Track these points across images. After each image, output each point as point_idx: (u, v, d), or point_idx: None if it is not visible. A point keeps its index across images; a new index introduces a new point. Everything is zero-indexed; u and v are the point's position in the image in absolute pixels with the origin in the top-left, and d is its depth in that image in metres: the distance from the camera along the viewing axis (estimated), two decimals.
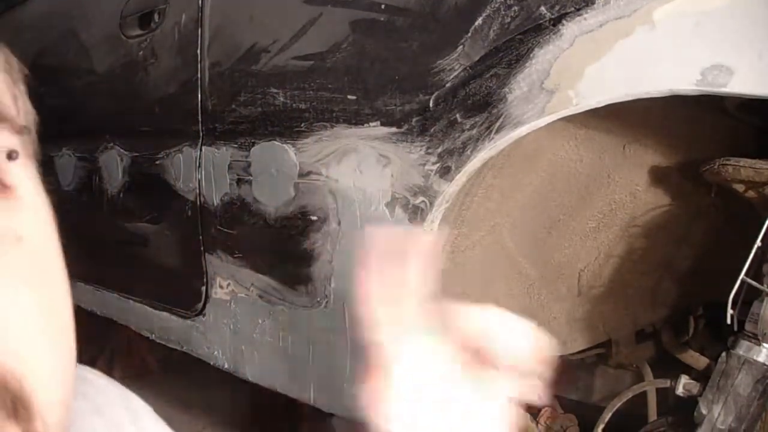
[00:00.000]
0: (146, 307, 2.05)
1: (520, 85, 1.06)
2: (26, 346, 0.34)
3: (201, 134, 1.69)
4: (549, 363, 0.64)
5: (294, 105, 1.43)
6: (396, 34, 1.24)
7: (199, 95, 1.69)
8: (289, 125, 1.45)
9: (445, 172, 1.18)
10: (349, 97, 1.32)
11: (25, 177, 0.37)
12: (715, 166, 1.20)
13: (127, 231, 2.05)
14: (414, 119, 1.22)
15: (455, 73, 1.15)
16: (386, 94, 1.26)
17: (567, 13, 1.00)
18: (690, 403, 1.22)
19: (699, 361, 1.55)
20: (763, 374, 1.14)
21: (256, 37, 1.52)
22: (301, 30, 1.41)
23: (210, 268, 1.74)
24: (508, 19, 1.07)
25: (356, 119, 1.31)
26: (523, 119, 1.06)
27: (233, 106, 1.59)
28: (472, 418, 0.57)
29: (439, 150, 1.18)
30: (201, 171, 1.70)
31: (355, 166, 1.33)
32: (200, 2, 1.69)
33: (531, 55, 1.04)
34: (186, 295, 1.83)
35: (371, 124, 1.29)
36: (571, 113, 1.02)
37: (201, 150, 1.69)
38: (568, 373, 1.94)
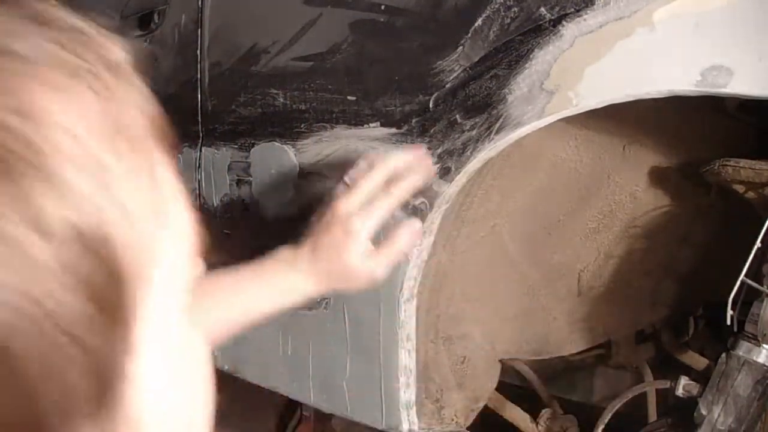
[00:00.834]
0: None
1: (519, 85, 1.06)
2: None
3: (200, 135, 1.69)
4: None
5: (294, 106, 1.43)
6: (396, 35, 1.24)
7: (199, 96, 1.69)
8: (289, 126, 1.45)
9: (445, 173, 1.18)
10: (349, 97, 1.32)
11: None
12: (715, 167, 1.20)
13: None
14: (414, 120, 1.22)
15: (455, 74, 1.15)
16: (386, 95, 1.26)
17: (567, 14, 1.00)
18: (690, 403, 1.22)
19: (699, 361, 1.55)
20: (763, 375, 1.14)
21: (256, 37, 1.52)
22: (301, 31, 1.41)
23: None
24: (508, 20, 1.07)
25: (356, 120, 1.31)
26: (523, 120, 1.06)
27: (233, 107, 1.59)
28: None
29: (439, 151, 1.18)
30: (200, 171, 1.70)
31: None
32: (200, 3, 1.69)
33: (531, 55, 1.04)
34: None
35: (371, 124, 1.29)
36: (571, 114, 1.02)
37: (200, 150, 1.69)
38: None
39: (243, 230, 1.61)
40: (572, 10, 0.99)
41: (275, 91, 1.47)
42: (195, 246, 0.43)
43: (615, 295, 1.61)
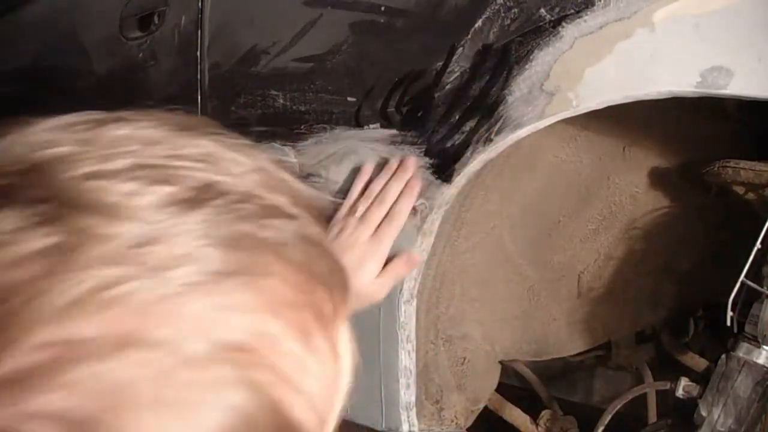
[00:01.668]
0: None
1: (519, 87, 1.06)
2: None
3: None
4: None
5: (294, 107, 1.43)
6: (396, 36, 1.24)
7: (199, 97, 1.69)
8: (288, 127, 1.45)
9: (445, 174, 1.18)
10: (349, 99, 1.32)
11: None
12: (715, 168, 1.20)
13: None
14: (414, 121, 1.22)
15: (455, 75, 1.15)
16: (386, 96, 1.26)
17: (567, 15, 1.00)
18: (690, 405, 1.22)
19: (699, 363, 1.55)
20: (762, 376, 1.14)
21: (256, 38, 1.52)
22: (301, 32, 1.41)
23: None
24: (508, 21, 1.07)
25: (356, 121, 1.32)
26: (523, 121, 1.06)
27: (233, 108, 1.59)
28: None
29: (439, 152, 1.18)
30: None
31: (355, 168, 1.33)
32: (200, 4, 1.69)
33: (530, 57, 1.04)
34: None
35: (371, 126, 1.29)
36: (570, 115, 1.02)
37: None
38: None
39: None
40: (572, 11, 0.99)
41: (275, 92, 1.47)
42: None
43: (615, 296, 1.60)
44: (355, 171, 1.28)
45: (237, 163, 0.42)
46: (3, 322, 0.32)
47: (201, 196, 0.38)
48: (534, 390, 1.72)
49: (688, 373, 1.35)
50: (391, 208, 1.15)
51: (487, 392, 1.55)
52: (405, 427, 1.37)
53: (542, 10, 1.02)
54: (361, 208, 1.16)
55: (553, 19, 1.01)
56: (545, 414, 1.62)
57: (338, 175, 1.37)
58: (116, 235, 0.35)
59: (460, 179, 1.17)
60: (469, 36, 1.13)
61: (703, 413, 1.18)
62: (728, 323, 1.13)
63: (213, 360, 0.35)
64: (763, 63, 0.85)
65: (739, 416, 1.15)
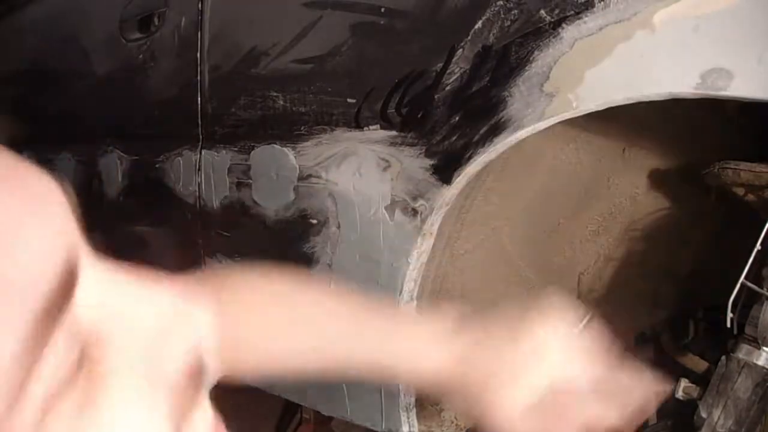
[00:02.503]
0: None
1: (519, 88, 1.06)
2: None
3: (201, 137, 1.69)
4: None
5: (294, 108, 1.43)
6: (396, 38, 1.24)
7: (199, 98, 1.69)
8: (288, 128, 1.45)
9: (445, 175, 1.18)
10: (349, 100, 1.32)
11: None
12: (715, 170, 1.20)
13: (126, 234, 2.05)
14: (414, 122, 1.22)
15: (455, 77, 1.15)
16: (386, 98, 1.26)
17: (567, 17, 1.00)
18: (690, 406, 1.22)
19: (699, 364, 1.55)
20: (762, 378, 1.14)
21: (256, 40, 1.52)
22: (301, 33, 1.41)
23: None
24: (508, 23, 1.07)
25: (356, 122, 1.31)
26: (523, 122, 1.06)
27: (233, 110, 1.59)
28: None
29: (439, 153, 1.18)
30: (201, 174, 1.70)
31: (355, 170, 1.33)
32: (200, 5, 1.70)
33: (531, 58, 1.04)
34: None
35: (371, 127, 1.29)
36: (570, 117, 1.02)
37: (201, 153, 1.69)
38: None
39: (243, 232, 1.61)
40: (572, 12, 0.99)
41: (275, 94, 1.47)
42: None
43: (615, 297, 1.60)
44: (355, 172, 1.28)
45: None
46: None
47: None
48: None
49: (688, 374, 1.35)
50: None
51: None
52: (405, 428, 1.37)
53: (542, 12, 1.03)
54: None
55: (553, 20, 1.01)
56: None
57: (338, 176, 1.37)
58: None
59: (460, 180, 1.17)
60: (469, 37, 1.13)
61: (703, 415, 1.18)
62: (728, 325, 1.12)
63: None
64: (763, 64, 0.85)
65: (739, 418, 1.15)
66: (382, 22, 1.26)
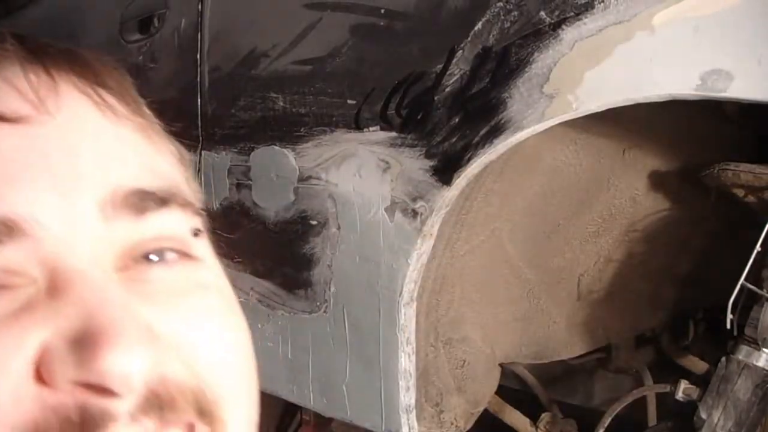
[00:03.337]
0: None
1: (519, 89, 1.06)
2: (225, 374, 0.41)
3: (200, 139, 1.69)
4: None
5: (294, 109, 1.43)
6: (396, 39, 1.24)
7: (199, 100, 1.69)
8: (288, 130, 1.45)
9: (445, 177, 1.18)
10: (349, 101, 1.32)
11: (206, 248, 0.47)
12: (715, 171, 1.20)
13: None
14: (413, 124, 1.22)
15: (455, 78, 1.15)
16: (386, 99, 1.26)
17: (567, 18, 1.00)
18: (689, 407, 1.22)
19: (699, 365, 1.55)
20: (762, 379, 1.14)
21: (256, 41, 1.52)
22: (301, 34, 1.41)
23: None
24: (508, 24, 1.07)
25: (356, 124, 1.32)
26: (523, 124, 1.06)
27: (233, 111, 1.59)
28: None
29: (439, 154, 1.18)
30: (200, 175, 1.70)
31: (355, 171, 1.33)
32: (200, 6, 1.70)
33: (530, 59, 1.04)
34: None
35: (371, 128, 1.29)
36: (570, 118, 1.02)
37: (200, 154, 1.69)
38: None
39: (243, 234, 1.61)
40: (572, 14, 0.99)
41: (275, 95, 1.48)
42: None
43: (615, 298, 1.60)
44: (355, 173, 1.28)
45: None
46: None
47: None
48: (534, 393, 1.72)
49: (688, 375, 1.35)
50: None
51: (487, 395, 1.55)
52: (405, 429, 1.37)
53: (542, 13, 1.03)
54: None
55: (552, 21, 1.01)
56: (545, 417, 1.62)
57: (338, 177, 1.37)
58: None
59: (460, 182, 1.17)
60: (469, 38, 1.13)
61: (703, 416, 1.18)
62: (728, 326, 1.12)
63: None
64: (762, 66, 0.85)
65: (739, 419, 1.15)
66: (382, 24, 1.26)
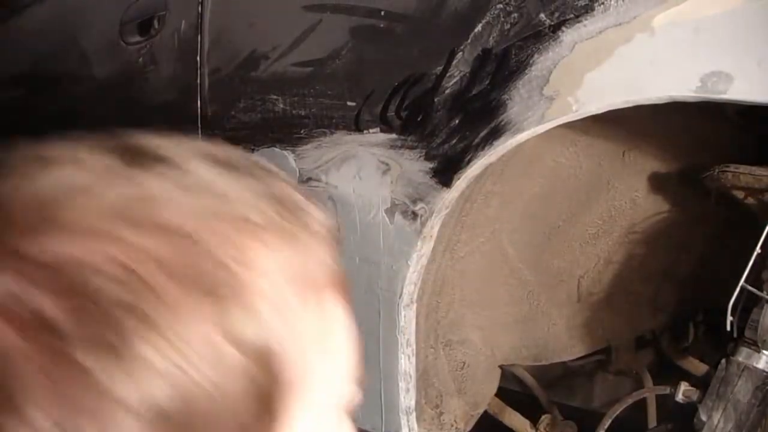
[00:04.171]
0: None
1: (519, 91, 1.06)
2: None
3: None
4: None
5: (294, 111, 1.44)
6: (395, 41, 1.24)
7: (199, 102, 1.69)
8: (288, 131, 1.45)
9: (445, 179, 1.18)
10: (349, 103, 1.32)
11: None
12: (715, 173, 1.20)
13: None
14: (413, 125, 1.22)
15: (455, 80, 1.15)
16: (386, 101, 1.26)
17: (566, 20, 1.00)
18: (690, 409, 1.22)
19: (699, 367, 1.55)
20: (762, 381, 1.14)
21: (256, 43, 1.52)
22: (301, 36, 1.41)
23: None
24: (508, 26, 1.07)
25: (356, 125, 1.32)
26: (523, 126, 1.06)
27: (233, 113, 1.59)
28: None
29: (439, 156, 1.18)
30: None
31: (355, 173, 1.33)
32: (200, 9, 1.70)
33: (530, 61, 1.04)
34: None
35: (371, 130, 1.29)
36: (570, 120, 1.02)
37: None
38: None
39: None
40: (572, 16, 0.99)
41: (275, 97, 1.48)
42: (352, 374, 0.54)
43: (615, 300, 1.60)
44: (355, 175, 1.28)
45: None
46: None
47: None
48: (534, 394, 1.72)
49: (688, 377, 1.35)
50: None
51: (487, 397, 1.55)
52: (405, 431, 1.37)
53: (542, 15, 1.03)
54: None
55: (552, 23, 1.01)
56: (545, 419, 1.62)
57: (338, 179, 1.37)
58: None
59: (460, 183, 1.17)
60: (469, 40, 1.13)
61: (703, 418, 1.18)
62: (728, 328, 1.12)
63: None
64: (762, 68, 0.85)
65: (739, 421, 1.15)
66: (381, 26, 1.26)
